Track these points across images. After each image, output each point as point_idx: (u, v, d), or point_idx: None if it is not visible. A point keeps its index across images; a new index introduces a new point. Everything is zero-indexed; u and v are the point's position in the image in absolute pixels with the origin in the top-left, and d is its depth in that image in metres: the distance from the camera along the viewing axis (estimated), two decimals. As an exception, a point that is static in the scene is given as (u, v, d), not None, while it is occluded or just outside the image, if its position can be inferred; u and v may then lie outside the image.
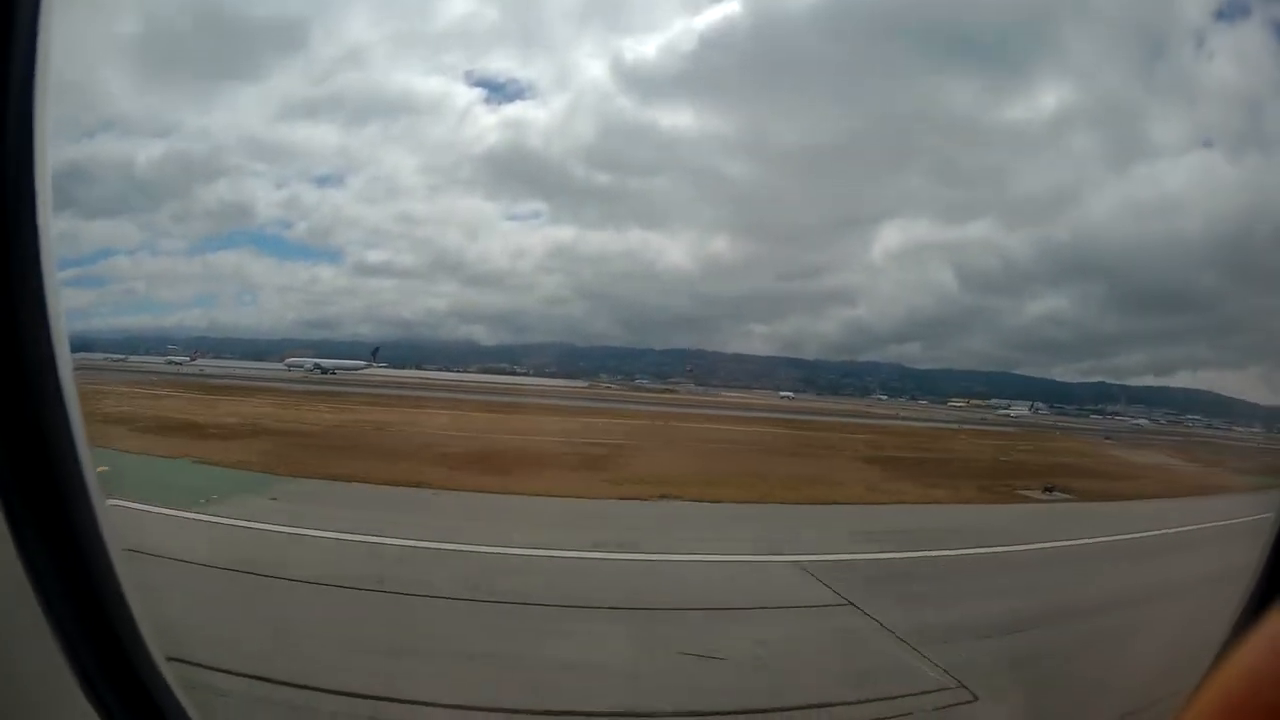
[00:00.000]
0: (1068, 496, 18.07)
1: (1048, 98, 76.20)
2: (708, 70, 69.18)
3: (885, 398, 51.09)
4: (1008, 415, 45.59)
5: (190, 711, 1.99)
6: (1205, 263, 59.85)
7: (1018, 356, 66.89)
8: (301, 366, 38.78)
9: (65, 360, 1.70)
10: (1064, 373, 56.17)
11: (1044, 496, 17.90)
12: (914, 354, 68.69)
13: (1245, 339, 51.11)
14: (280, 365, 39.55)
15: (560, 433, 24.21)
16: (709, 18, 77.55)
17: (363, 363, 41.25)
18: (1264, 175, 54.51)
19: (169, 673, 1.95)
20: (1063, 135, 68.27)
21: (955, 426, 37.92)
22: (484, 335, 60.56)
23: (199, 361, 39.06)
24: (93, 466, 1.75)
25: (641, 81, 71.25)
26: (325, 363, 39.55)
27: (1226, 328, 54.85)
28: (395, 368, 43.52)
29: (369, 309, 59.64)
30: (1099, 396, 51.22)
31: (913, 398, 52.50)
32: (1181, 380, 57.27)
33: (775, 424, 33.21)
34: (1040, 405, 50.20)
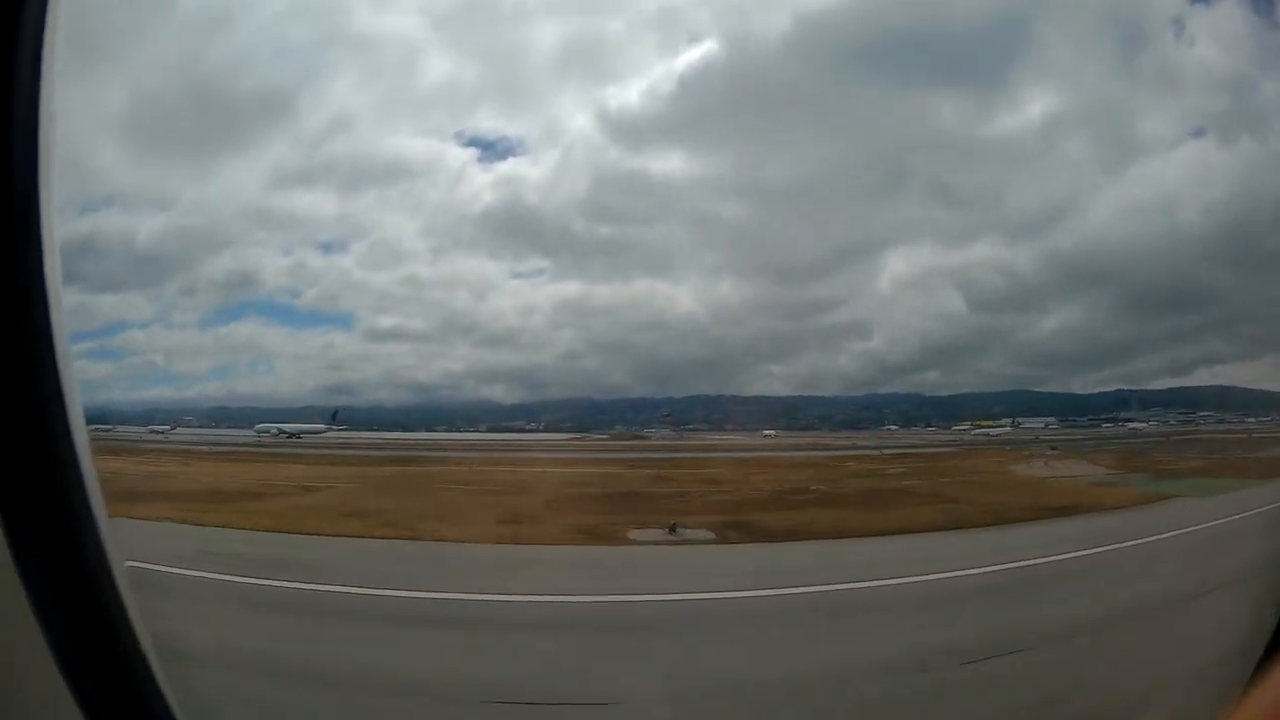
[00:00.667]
0: (707, 537, 15.82)
1: (1033, 106, 72.50)
2: (691, 112, 68.73)
3: (896, 428, 50.84)
4: (987, 435, 45.63)
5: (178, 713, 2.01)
6: (1209, 255, 57.25)
7: (1036, 374, 64.91)
8: (269, 432, 40.93)
9: (74, 401, 1.80)
10: (1084, 384, 54.22)
11: (668, 537, 15.62)
12: (933, 382, 66.72)
13: (1257, 328, 50.40)
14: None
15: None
16: (687, 58, 77.11)
17: (322, 426, 43.05)
18: (1258, 156, 54.01)
19: (165, 684, 1.98)
20: (1053, 143, 66.86)
21: (876, 451, 36.53)
22: (502, 395, 60.63)
23: (179, 430, 42.01)
24: (96, 482, 1.83)
25: (628, 129, 70.84)
26: (288, 427, 41.49)
27: (1237, 319, 53.08)
28: (402, 430, 45.94)
29: (386, 374, 59.85)
30: (1117, 405, 50.43)
31: (927, 424, 52.26)
32: (1201, 378, 54.71)
33: (642, 465, 30.93)
34: (1047, 420, 49.51)
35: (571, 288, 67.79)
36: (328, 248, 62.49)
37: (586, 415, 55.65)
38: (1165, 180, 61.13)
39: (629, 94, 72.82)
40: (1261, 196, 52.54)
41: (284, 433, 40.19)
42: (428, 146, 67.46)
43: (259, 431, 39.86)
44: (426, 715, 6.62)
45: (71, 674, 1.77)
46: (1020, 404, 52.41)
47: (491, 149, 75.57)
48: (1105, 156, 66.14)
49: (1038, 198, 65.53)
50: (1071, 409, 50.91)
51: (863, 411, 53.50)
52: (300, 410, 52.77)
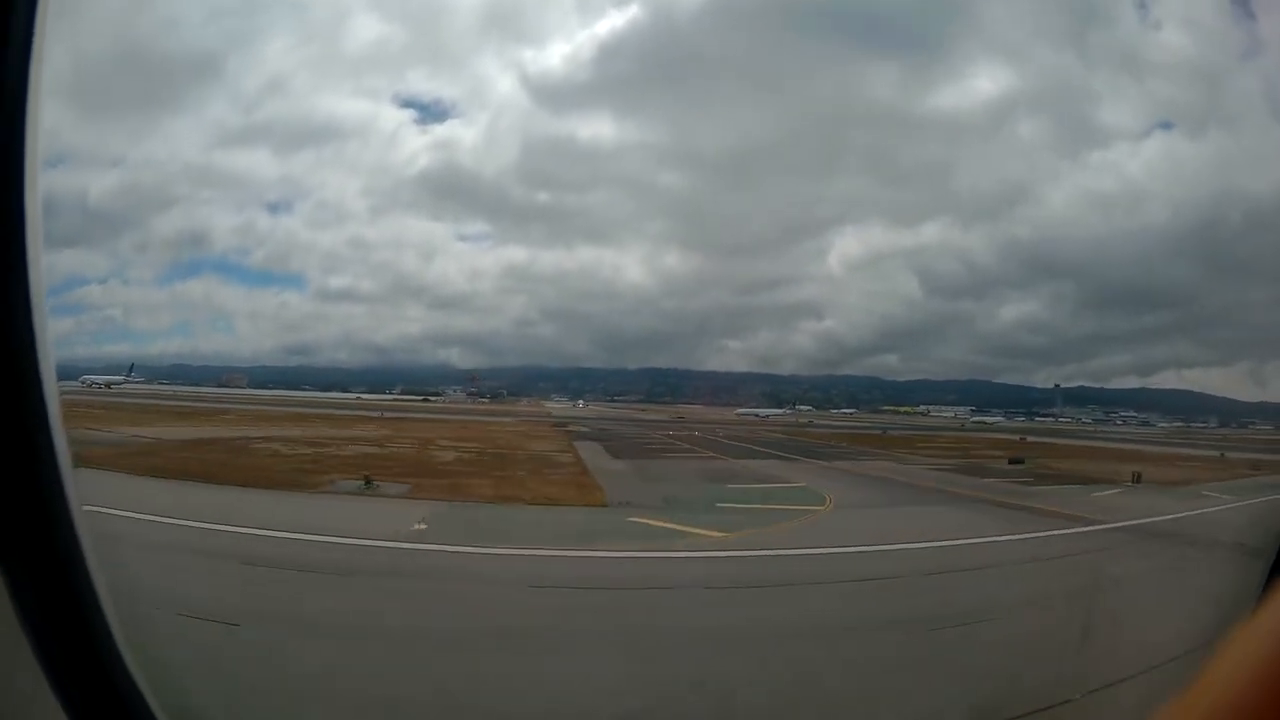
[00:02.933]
0: (402, 490, 16.85)
1: (980, 81, 71.36)
2: (615, 77, 66.26)
3: (852, 410, 51.16)
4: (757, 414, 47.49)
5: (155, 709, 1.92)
6: (1177, 254, 56.41)
7: (998, 364, 63.75)
8: (91, 381, 41.75)
9: (49, 374, 1.67)
10: (1047, 379, 53.90)
11: (362, 489, 16.69)
12: (893, 366, 65.63)
13: (1230, 334, 50.29)
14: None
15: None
16: (609, 21, 77.04)
17: (120, 377, 43.94)
18: (1230, 153, 51.84)
19: (143, 681, 1.89)
20: (1003, 123, 64.98)
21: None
22: (459, 359, 59.64)
23: (124, 383, 43.01)
24: (71, 474, 1.71)
25: (551, 93, 69.62)
26: (98, 378, 42.66)
27: (1208, 323, 52.62)
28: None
29: (343, 334, 58.29)
30: (1080, 401, 49.41)
31: (877, 409, 52.18)
32: (1166, 381, 54.47)
33: (409, 425, 34.04)
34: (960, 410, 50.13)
35: (516, 253, 67.20)
36: (274, 208, 60.82)
37: (532, 382, 55.27)
38: (1130, 172, 57.89)
39: (550, 57, 70.77)
40: (1234, 197, 51.15)
41: (95, 384, 41.51)
42: (362, 108, 65.12)
43: (83, 381, 40.24)
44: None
45: (49, 663, 1.68)
46: (977, 394, 52.09)
47: (425, 111, 73.76)
48: (1062, 142, 63.17)
49: (989, 180, 62.83)
50: (1032, 402, 50.14)
51: (808, 392, 53.52)
52: (258, 368, 51.52)
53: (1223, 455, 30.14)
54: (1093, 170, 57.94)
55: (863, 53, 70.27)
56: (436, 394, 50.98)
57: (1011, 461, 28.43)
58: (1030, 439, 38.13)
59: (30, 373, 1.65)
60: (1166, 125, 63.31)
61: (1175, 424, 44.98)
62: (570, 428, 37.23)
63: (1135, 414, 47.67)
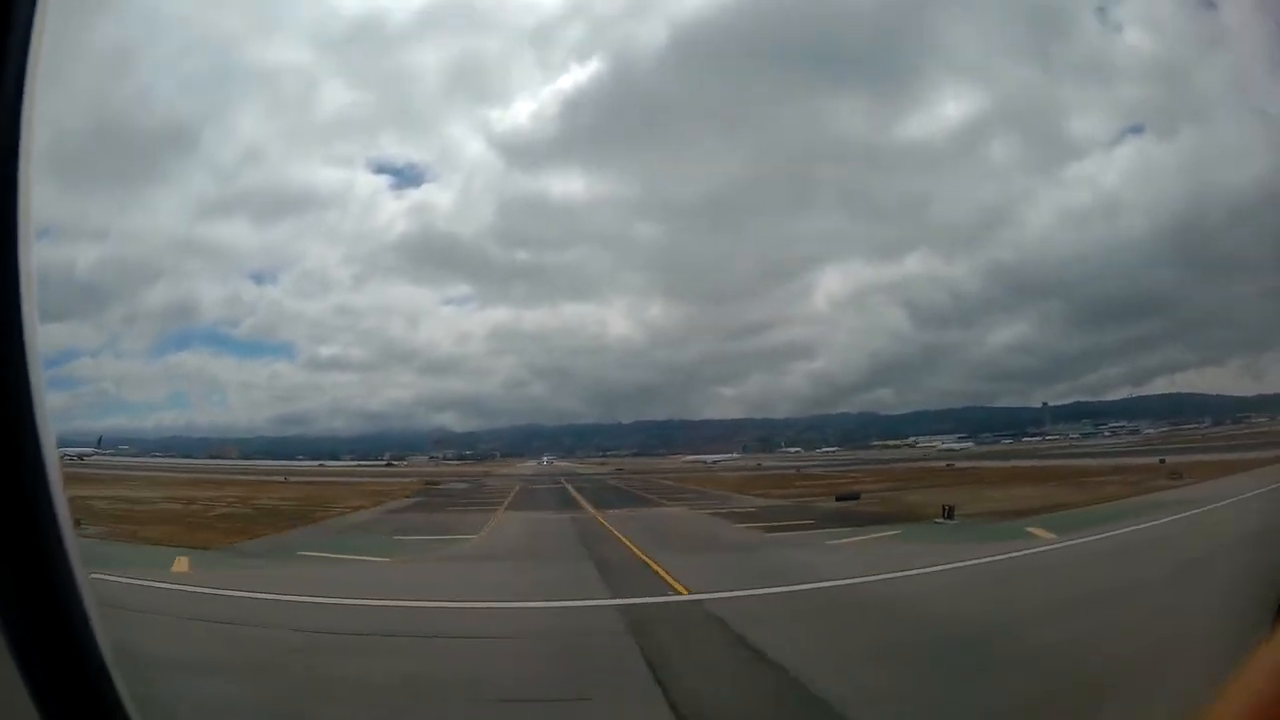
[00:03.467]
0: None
1: (945, 106, 69.30)
2: (581, 131, 64.45)
3: (834, 449, 50.61)
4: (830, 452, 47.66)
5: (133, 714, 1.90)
6: (1159, 260, 54.95)
7: (993, 389, 61.80)
8: (63, 454, 42.31)
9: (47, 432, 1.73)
10: (1042, 398, 53.06)
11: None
12: (888, 400, 63.30)
13: (1220, 333, 49.71)
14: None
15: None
16: (571, 76, 76.43)
17: (90, 450, 43.45)
18: (1202, 150, 50.77)
19: (118, 677, 1.88)
20: (973, 146, 62.68)
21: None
22: (454, 422, 58.88)
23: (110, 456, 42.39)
24: (64, 500, 1.74)
25: (519, 152, 68.79)
26: (70, 451, 40.77)
27: (1197, 324, 51.44)
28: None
29: (336, 403, 57.61)
30: (1076, 416, 48.80)
31: (868, 445, 51.45)
32: (1160, 387, 52.69)
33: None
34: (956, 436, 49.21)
35: (501, 314, 66.79)
36: (259, 277, 60.54)
37: (525, 441, 54.72)
38: (1105, 182, 55.36)
39: (517, 116, 68.71)
40: (1210, 194, 49.20)
41: (69, 456, 39.45)
42: (338, 175, 64.65)
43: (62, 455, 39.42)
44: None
45: (31, 677, 1.69)
46: (974, 421, 50.89)
47: (400, 175, 73.21)
48: (1035, 159, 59.89)
49: (966, 206, 60.93)
50: (1028, 423, 48.07)
51: (803, 434, 52.91)
52: (254, 439, 50.79)
53: (1162, 462, 29.36)
54: (1068, 185, 56.91)
55: (827, 88, 69.86)
56: (401, 458, 50.77)
57: (839, 499, 26.71)
58: (982, 463, 37.81)
59: (20, 388, 1.67)
60: (1137, 129, 60.87)
61: (1165, 429, 44.35)
62: (441, 485, 37.98)
63: (1125, 424, 47.08)
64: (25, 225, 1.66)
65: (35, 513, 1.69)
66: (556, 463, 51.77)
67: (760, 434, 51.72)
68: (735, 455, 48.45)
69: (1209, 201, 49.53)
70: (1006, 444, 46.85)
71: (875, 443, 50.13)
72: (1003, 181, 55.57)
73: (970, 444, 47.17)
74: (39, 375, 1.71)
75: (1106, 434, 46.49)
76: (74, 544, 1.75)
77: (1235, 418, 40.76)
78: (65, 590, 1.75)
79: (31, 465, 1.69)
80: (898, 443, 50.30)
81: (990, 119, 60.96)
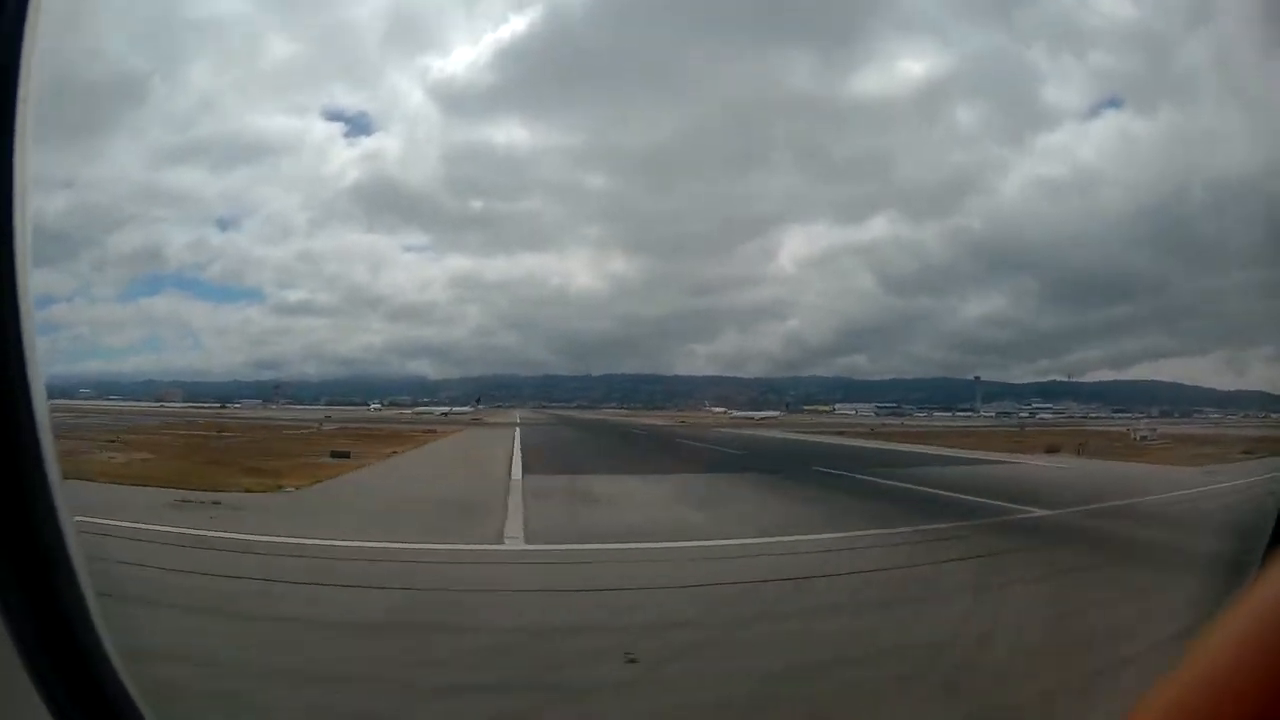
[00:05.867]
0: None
1: (904, 64, 65.16)
2: (527, 82, 63.33)
3: (777, 414, 49.06)
4: (750, 417, 45.52)
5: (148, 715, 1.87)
6: (1138, 242, 51.78)
7: (969, 361, 60.26)
8: None
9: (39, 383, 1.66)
10: (1021, 374, 51.48)
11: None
12: (862, 366, 61.24)
13: (1201, 324, 45.33)
14: None
15: None
16: (514, 27, 69.70)
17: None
18: (1184, 131, 46.27)
19: (129, 680, 1.84)
20: (938, 108, 57.69)
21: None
22: (429, 370, 58.12)
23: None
24: (60, 482, 1.67)
25: (464, 101, 65.84)
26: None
27: (1178, 313, 48.63)
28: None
29: (308, 348, 56.09)
30: (1055, 395, 47.17)
31: (800, 410, 50.94)
32: (1142, 372, 50.89)
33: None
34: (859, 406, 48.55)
35: (460, 262, 63.83)
36: (223, 224, 58.35)
37: (509, 390, 54.25)
38: (1081, 157, 50.52)
39: (453, 65, 62.72)
40: (1192, 176, 44.76)
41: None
42: (291, 124, 61.18)
43: None
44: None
45: (35, 668, 1.63)
46: (950, 391, 48.77)
47: (353, 124, 69.85)
48: (1004, 126, 55.17)
49: (932, 170, 56.06)
50: (1003, 397, 47.15)
51: (764, 394, 52.80)
52: (229, 383, 49.49)
53: (1022, 429, 30.06)
54: (1040, 155, 52.72)
55: (772, 40, 66.18)
56: (365, 404, 49.06)
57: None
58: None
59: (20, 381, 1.62)
60: (1115, 103, 59.82)
61: (1099, 413, 43.36)
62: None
63: (1052, 405, 47.26)
64: (21, 184, 1.60)
65: (24, 457, 1.63)
66: (535, 413, 50.12)
67: (732, 392, 51.19)
68: (777, 413, 47.28)
69: (1190, 185, 43.71)
70: (920, 417, 46.01)
71: (806, 407, 49.56)
72: (970, 147, 52.15)
73: (886, 417, 46.29)
74: (36, 368, 1.65)
75: (1024, 414, 45.83)
76: (61, 492, 1.69)
77: (1185, 410, 40.01)
78: (52, 538, 1.70)
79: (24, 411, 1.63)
80: (826, 408, 49.99)
81: (953, 81, 55.71)
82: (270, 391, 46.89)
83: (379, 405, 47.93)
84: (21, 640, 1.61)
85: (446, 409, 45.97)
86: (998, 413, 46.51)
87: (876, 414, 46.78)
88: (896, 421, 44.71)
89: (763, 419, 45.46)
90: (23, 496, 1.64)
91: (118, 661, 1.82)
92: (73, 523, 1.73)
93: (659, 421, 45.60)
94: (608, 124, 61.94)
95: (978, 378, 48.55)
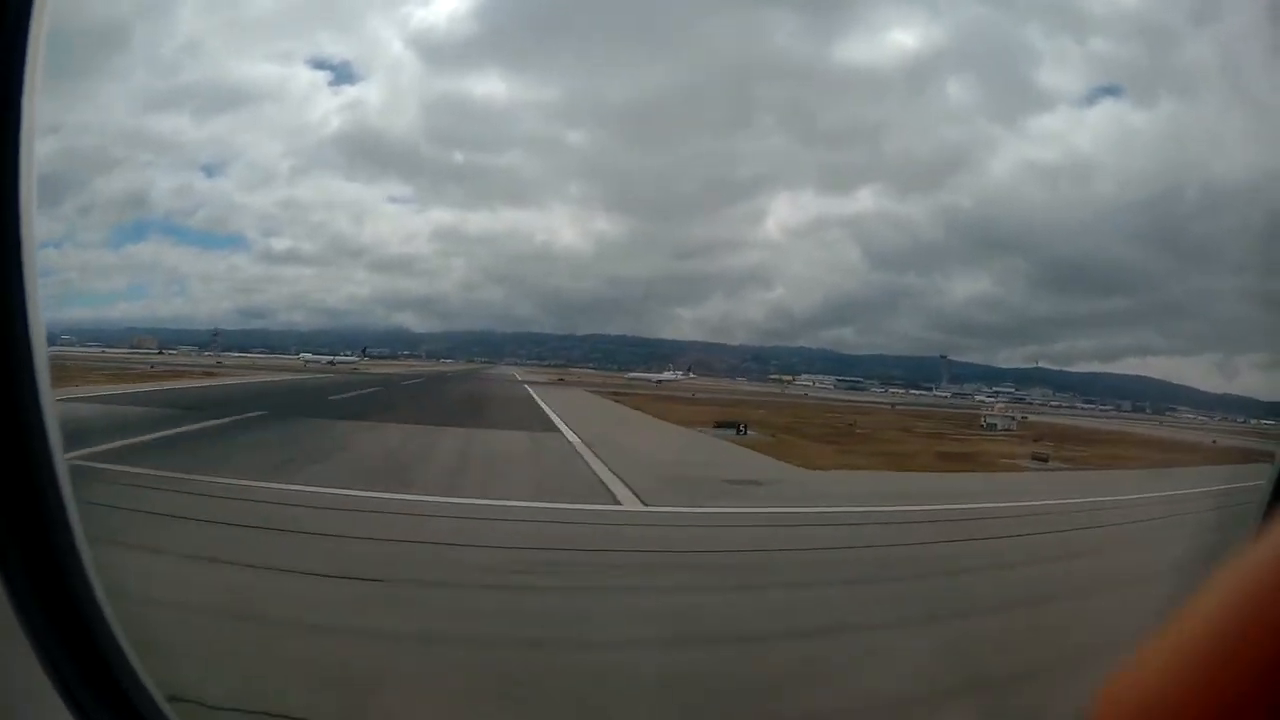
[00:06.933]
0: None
1: (894, 34, 62.14)
2: (505, 34, 62.13)
3: (792, 380, 50.33)
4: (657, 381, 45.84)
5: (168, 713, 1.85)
6: (1131, 235, 50.54)
7: (955, 341, 58.97)
8: None
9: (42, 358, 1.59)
10: (1009, 358, 49.77)
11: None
12: (848, 339, 61.17)
13: (1192, 325, 44.76)
14: None
15: None
16: None
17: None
18: (1184, 127, 45.64)
19: (147, 677, 1.82)
20: (928, 81, 56.32)
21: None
22: (414, 322, 57.29)
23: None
24: (66, 468, 1.62)
25: (438, 50, 62.44)
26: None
27: (1170, 312, 47.61)
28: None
29: (295, 297, 54.83)
30: (1040, 382, 46.52)
31: (767, 378, 49.14)
32: (1129, 367, 49.31)
33: None
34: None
35: (444, 215, 62.41)
36: (209, 170, 56.57)
37: (494, 346, 53.71)
38: (1076, 143, 49.24)
39: (434, 15, 63.50)
40: (1189, 173, 44.45)
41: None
42: (273, 71, 59.29)
43: None
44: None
45: (50, 659, 1.60)
46: (933, 371, 47.38)
47: (336, 72, 68.14)
48: (997, 105, 53.11)
49: (921, 144, 54.36)
50: (986, 378, 46.16)
51: (744, 363, 52.40)
52: (212, 331, 48.61)
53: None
54: (1034, 138, 51.52)
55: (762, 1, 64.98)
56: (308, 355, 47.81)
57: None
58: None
59: (24, 360, 1.56)
60: (1114, 91, 56.46)
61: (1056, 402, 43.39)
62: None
63: (1002, 390, 45.52)
64: (28, 152, 1.60)
65: (29, 439, 1.58)
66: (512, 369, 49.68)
67: (711, 358, 51.01)
68: (680, 375, 47.31)
69: (1188, 184, 46.77)
70: (878, 392, 46.20)
71: (772, 376, 48.64)
72: (961, 124, 51.21)
73: (846, 391, 46.79)
74: (37, 308, 1.59)
75: (981, 397, 44.66)
76: (66, 471, 1.64)
77: (1159, 408, 40.13)
78: (58, 521, 1.66)
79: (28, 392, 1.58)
80: (788, 379, 49.09)
81: (945, 54, 53.40)
82: (209, 339, 46.21)
83: (310, 356, 46.52)
84: (36, 635, 1.58)
85: (332, 357, 45.06)
86: (953, 394, 45.84)
87: (836, 387, 46.93)
88: (833, 395, 44.32)
89: (660, 382, 45.61)
90: (28, 476, 1.59)
91: (131, 656, 1.79)
92: (78, 510, 1.67)
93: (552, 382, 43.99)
94: (589, 78, 58.59)
95: (944, 356, 48.38)
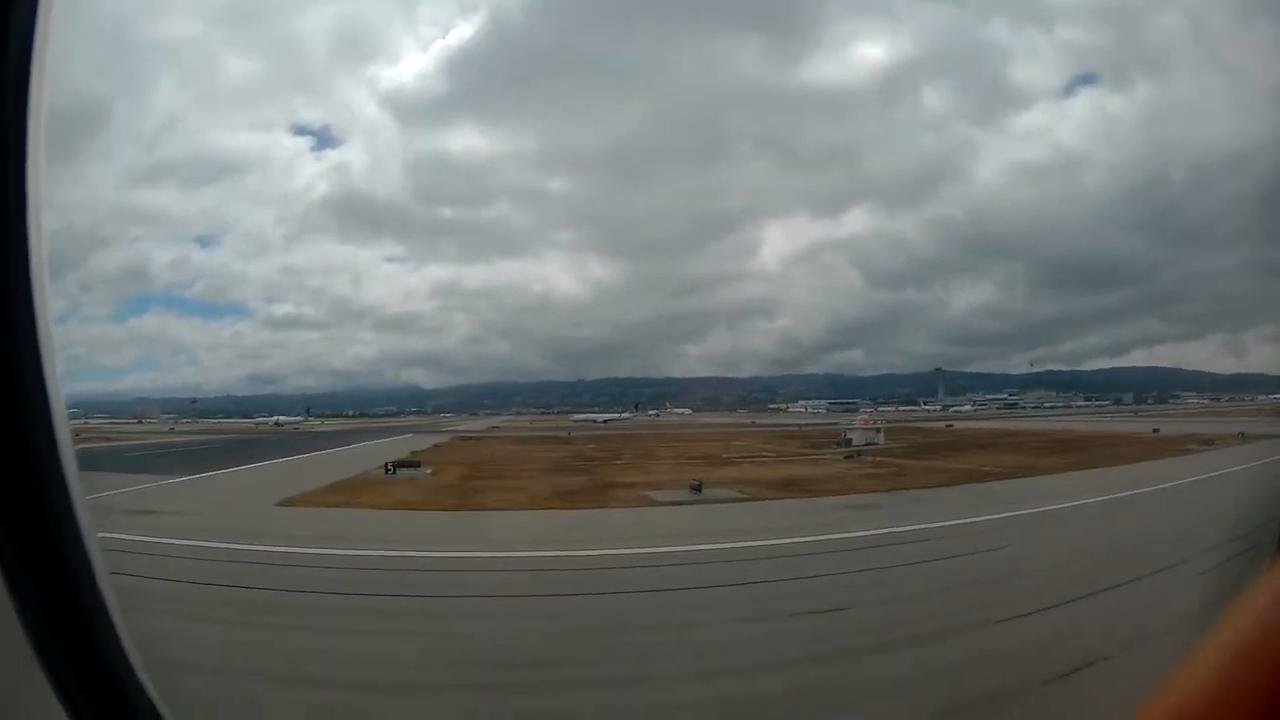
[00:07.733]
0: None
1: (860, 48, 63.22)
2: (470, 87, 62.28)
3: (786, 408, 49.05)
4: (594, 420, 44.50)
5: (164, 712, 1.84)
6: (1126, 226, 49.27)
7: (964, 353, 58.98)
8: None
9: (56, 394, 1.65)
10: (1019, 364, 48.12)
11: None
12: (857, 361, 57.73)
13: (1195, 307, 44.35)
14: None
15: None
16: (460, 34, 69.94)
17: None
18: (1161, 105, 45.09)
19: (144, 675, 1.81)
20: (900, 93, 56.18)
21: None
22: (425, 379, 57.25)
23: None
24: (76, 473, 1.66)
25: (411, 109, 63.61)
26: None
27: (1171, 297, 46.73)
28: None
29: (303, 361, 54.89)
30: (1053, 385, 45.59)
31: (765, 408, 48.85)
32: (1138, 359, 48.30)
33: None
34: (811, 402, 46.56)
35: (440, 271, 63.65)
36: (203, 241, 58.10)
37: (488, 398, 53.11)
38: (1058, 137, 51.33)
39: (401, 74, 66.10)
40: (1172, 154, 45.56)
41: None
42: (255, 140, 61.09)
43: None
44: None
45: (55, 674, 1.61)
46: (945, 385, 46.32)
47: (315, 138, 70.29)
48: (974, 108, 56.16)
49: (904, 159, 55.14)
50: (994, 387, 45.87)
51: (752, 394, 50.97)
52: (222, 398, 48.83)
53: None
54: (1017, 137, 51.06)
55: (718, 28, 61.40)
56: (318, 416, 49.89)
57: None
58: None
59: (37, 383, 1.63)
60: (1090, 79, 56.46)
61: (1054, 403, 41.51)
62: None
63: (985, 397, 44.83)
64: (35, 197, 1.67)
65: (39, 453, 1.62)
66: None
67: (726, 392, 49.00)
68: (627, 414, 45.91)
69: (1174, 163, 45.82)
70: (867, 412, 44.23)
71: (771, 405, 48.52)
72: (940, 132, 50.06)
73: (839, 413, 45.46)
74: (54, 377, 1.66)
75: (969, 407, 44.78)
76: (81, 492, 1.68)
77: (1161, 396, 38.82)
78: (69, 535, 1.69)
79: (39, 409, 1.63)
80: (782, 406, 48.19)
81: (913, 62, 53.12)
82: (187, 406, 46.99)
83: (282, 420, 47.30)
84: (42, 648, 1.59)
85: (279, 420, 46.43)
86: (943, 405, 45.26)
87: (829, 410, 45.56)
88: (811, 420, 43.37)
89: (607, 421, 44.70)
90: (36, 496, 1.63)
91: (134, 658, 1.80)
92: (94, 527, 1.71)
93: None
94: (562, 124, 59.78)
95: (939, 369, 46.95)
